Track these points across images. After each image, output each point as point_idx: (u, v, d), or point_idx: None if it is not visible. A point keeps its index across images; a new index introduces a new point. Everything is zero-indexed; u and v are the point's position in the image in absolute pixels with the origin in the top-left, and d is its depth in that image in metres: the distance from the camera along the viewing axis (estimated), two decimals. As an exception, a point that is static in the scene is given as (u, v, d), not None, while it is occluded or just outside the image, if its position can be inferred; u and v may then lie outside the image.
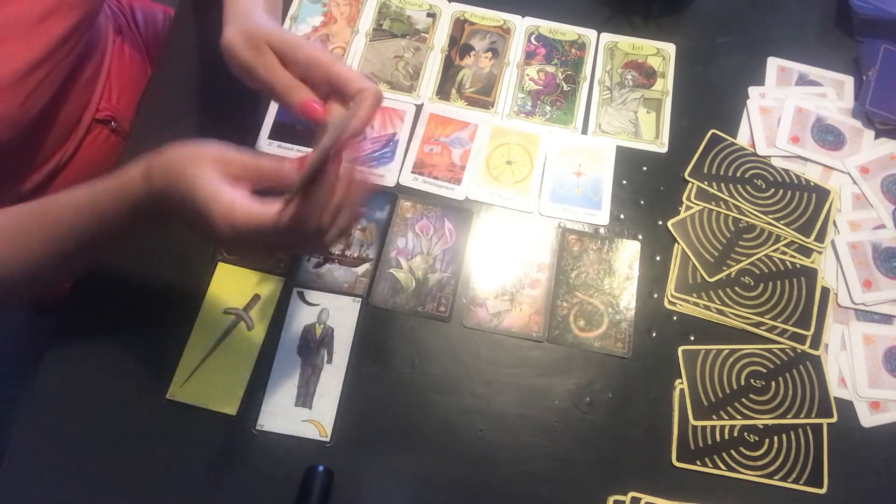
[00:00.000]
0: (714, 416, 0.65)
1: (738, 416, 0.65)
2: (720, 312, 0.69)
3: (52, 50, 0.67)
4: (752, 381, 0.67)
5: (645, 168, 0.76)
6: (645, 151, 0.77)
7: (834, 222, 0.74)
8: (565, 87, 0.80)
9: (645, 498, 0.62)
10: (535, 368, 0.67)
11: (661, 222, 0.73)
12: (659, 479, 0.63)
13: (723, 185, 0.74)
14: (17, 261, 0.57)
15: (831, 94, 0.80)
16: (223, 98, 0.77)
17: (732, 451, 0.64)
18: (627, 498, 0.62)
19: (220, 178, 0.49)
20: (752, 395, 0.66)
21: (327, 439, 0.63)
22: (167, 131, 0.75)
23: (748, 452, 0.64)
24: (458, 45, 0.82)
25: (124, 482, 0.62)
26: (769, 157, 0.76)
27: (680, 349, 0.68)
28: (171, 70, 0.79)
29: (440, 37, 0.82)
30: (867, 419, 0.66)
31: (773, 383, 0.67)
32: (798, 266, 0.71)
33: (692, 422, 0.65)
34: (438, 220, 0.72)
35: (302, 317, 0.68)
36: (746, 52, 0.82)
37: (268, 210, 0.48)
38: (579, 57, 0.81)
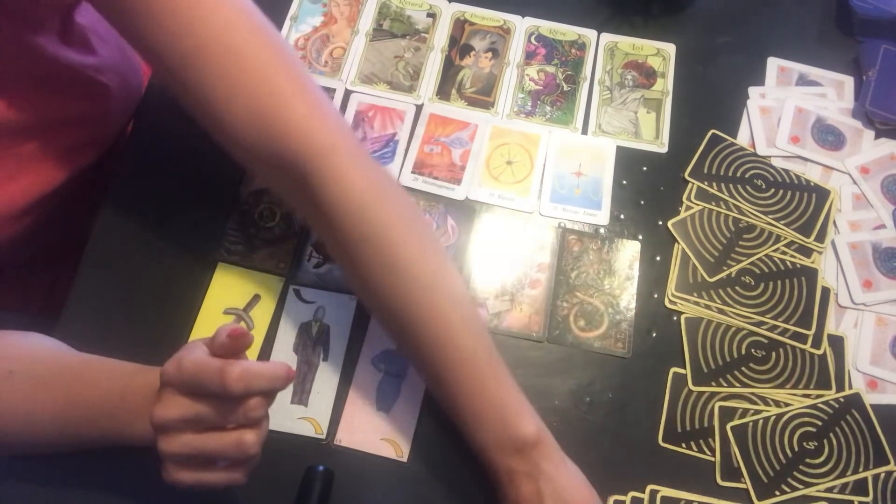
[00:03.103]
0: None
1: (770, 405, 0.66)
2: (721, 312, 0.69)
3: (71, 180, 0.68)
4: (752, 350, 0.67)
5: (645, 168, 0.76)
6: (645, 151, 0.77)
7: (834, 222, 0.74)
8: (565, 87, 0.80)
9: (645, 498, 0.62)
10: (535, 368, 0.67)
11: (661, 222, 0.73)
12: (660, 480, 0.63)
13: (723, 185, 0.74)
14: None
15: (831, 94, 0.80)
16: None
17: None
18: (628, 498, 0.62)
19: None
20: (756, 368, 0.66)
21: (323, 436, 0.63)
22: (167, 130, 0.76)
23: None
24: (458, 45, 0.82)
25: (121, 480, 0.62)
26: (769, 157, 0.76)
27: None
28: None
29: (440, 37, 0.82)
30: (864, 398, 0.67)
31: (775, 358, 0.67)
32: (798, 266, 0.71)
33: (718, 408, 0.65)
34: (441, 217, 0.72)
35: (298, 315, 0.68)
36: (746, 52, 0.82)
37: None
38: (579, 57, 0.81)
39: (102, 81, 0.69)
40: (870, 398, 0.66)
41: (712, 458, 0.64)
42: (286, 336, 0.67)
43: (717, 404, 0.66)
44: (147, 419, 0.51)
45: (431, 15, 0.83)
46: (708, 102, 0.79)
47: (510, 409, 0.56)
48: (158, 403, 0.49)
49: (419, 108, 0.78)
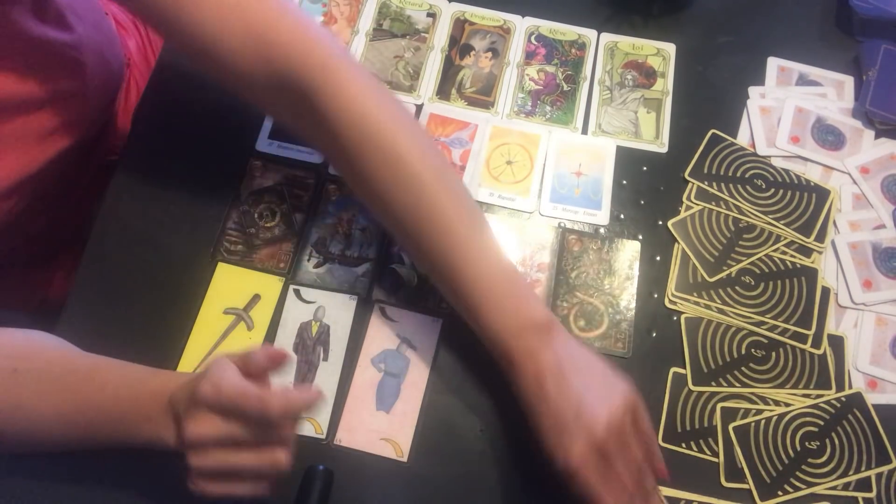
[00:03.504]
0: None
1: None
2: (721, 312, 0.69)
3: (53, 162, 0.67)
4: (752, 350, 0.67)
5: (645, 168, 0.76)
6: (645, 151, 0.77)
7: (834, 222, 0.74)
8: (565, 87, 0.80)
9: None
10: (535, 368, 0.67)
11: (661, 222, 0.73)
12: (660, 479, 0.63)
13: (723, 185, 0.74)
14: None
15: (831, 94, 0.80)
16: (223, 98, 0.77)
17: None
18: (628, 498, 0.62)
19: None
20: (754, 367, 0.66)
21: (323, 436, 0.63)
22: (167, 130, 0.76)
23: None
24: (458, 45, 0.82)
25: (121, 480, 0.61)
26: (769, 157, 0.76)
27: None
28: (170, 70, 0.79)
29: (440, 37, 0.82)
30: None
31: (774, 358, 0.67)
32: (798, 266, 0.71)
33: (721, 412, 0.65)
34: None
35: (298, 314, 0.68)
36: (746, 52, 0.82)
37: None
38: (579, 57, 0.81)
39: (80, 59, 0.69)
40: (870, 398, 0.66)
41: (712, 458, 0.64)
42: (286, 336, 0.67)
43: (719, 405, 0.66)
44: (156, 424, 0.53)
45: (431, 15, 0.83)
46: (708, 102, 0.79)
47: (523, 297, 0.59)
48: (192, 420, 0.50)
49: (419, 107, 0.78)
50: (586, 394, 0.55)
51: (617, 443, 0.54)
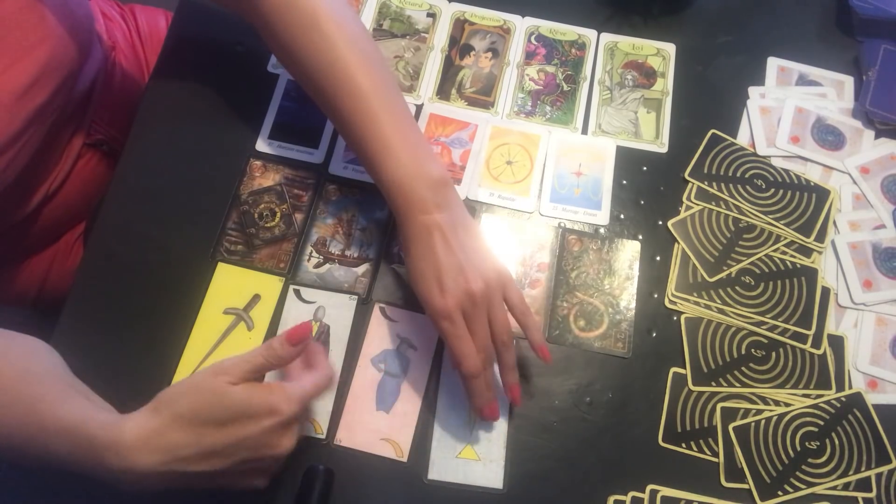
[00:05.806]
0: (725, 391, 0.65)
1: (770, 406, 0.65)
2: (721, 312, 0.69)
3: (34, 118, 0.66)
4: (752, 350, 0.67)
5: (645, 168, 0.76)
6: (645, 151, 0.77)
7: (834, 222, 0.74)
8: (565, 87, 0.80)
9: (645, 497, 0.62)
10: (535, 368, 0.67)
11: (661, 222, 0.73)
12: (660, 479, 0.63)
13: (723, 185, 0.74)
14: None
15: (831, 94, 0.80)
16: (223, 98, 0.77)
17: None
18: (628, 498, 0.62)
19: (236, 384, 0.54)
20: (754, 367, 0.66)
21: (323, 436, 0.63)
22: (167, 130, 0.76)
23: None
24: (458, 45, 0.82)
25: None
26: (769, 157, 0.76)
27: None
28: (170, 71, 0.79)
29: (440, 37, 0.82)
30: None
31: (774, 358, 0.67)
32: (798, 266, 0.71)
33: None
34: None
35: (298, 315, 0.68)
36: (746, 52, 0.82)
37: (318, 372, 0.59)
38: (579, 57, 0.81)
39: None
40: (870, 398, 0.66)
41: (712, 458, 0.64)
42: (286, 336, 0.67)
43: (719, 405, 0.66)
44: (101, 472, 0.52)
45: (431, 15, 0.83)
46: (708, 102, 0.79)
47: (423, 151, 0.62)
48: (287, 436, 0.55)
49: (419, 108, 0.78)
50: (469, 257, 0.60)
51: (481, 307, 0.59)
